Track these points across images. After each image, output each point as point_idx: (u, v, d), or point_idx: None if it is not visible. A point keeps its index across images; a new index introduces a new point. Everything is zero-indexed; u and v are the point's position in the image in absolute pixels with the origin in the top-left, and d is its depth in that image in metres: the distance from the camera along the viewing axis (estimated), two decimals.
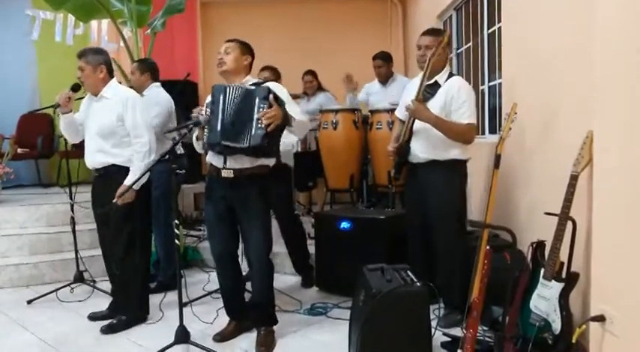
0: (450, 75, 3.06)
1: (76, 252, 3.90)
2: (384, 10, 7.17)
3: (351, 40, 6.87)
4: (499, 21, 3.83)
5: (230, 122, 2.63)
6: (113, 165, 3.08)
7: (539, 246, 2.42)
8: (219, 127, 2.65)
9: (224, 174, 2.76)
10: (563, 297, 2.23)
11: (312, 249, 3.91)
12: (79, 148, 3.25)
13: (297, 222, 3.94)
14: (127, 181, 2.98)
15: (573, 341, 2.05)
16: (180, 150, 3.76)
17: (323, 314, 3.28)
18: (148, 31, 4.88)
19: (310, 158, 4.99)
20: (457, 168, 3.04)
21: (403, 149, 3.07)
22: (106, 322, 3.17)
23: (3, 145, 5.71)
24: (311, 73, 5.56)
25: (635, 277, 1.74)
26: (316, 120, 4.96)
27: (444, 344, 2.69)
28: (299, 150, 3.89)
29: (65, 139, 3.54)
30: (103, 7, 4.56)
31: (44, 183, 6.30)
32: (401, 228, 3.35)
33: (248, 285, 3.07)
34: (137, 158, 3.03)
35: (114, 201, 2.94)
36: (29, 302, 3.66)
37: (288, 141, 3.54)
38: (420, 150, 3.03)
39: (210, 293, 3.61)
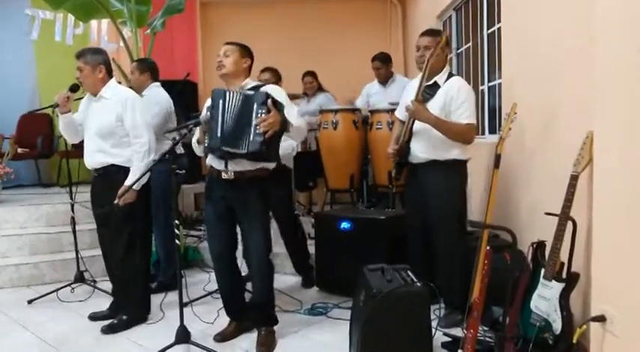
0: (450, 75, 3.06)
1: (77, 251, 3.91)
2: (383, 11, 7.17)
3: (350, 40, 6.87)
4: (499, 21, 3.84)
5: (230, 127, 2.63)
6: (112, 165, 3.08)
7: (539, 246, 2.42)
8: (219, 133, 2.65)
9: (224, 176, 2.76)
10: (564, 297, 2.23)
11: (312, 249, 3.91)
12: (79, 148, 3.25)
13: (297, 223, 3.94)
14: (128, 182, 2.98)
15: (574, 341, 2.05)
16: (180, 150, 3.76)
17: (323, 315, 3.29)
18: (148, 31, 4.88)
19: (310, 158, 5.00)
20: (457, 169, 3.04)
21: (403, 150, 3.08)
22: (106, 322, 3.17)
23: (3, 145, 5.71)
24: (311, 73, 5.57)
25: (635, 277, 1.74)
26: (316, 120, 4.97)
27: (444, 345, 2.69)
28: (299, 150, 3.89)
29: (65, 139, 3.54)
30: (102, 6, 4.56)
31: (44, 183, 6.31)
32: (401, 229, 3.35)
33: (248, 286, 3.07)
34: (137, 158, 3.03)
35: (115, 202, 2.94)
36: (30, 302, 3.66)
37: (288, 144, 3.55)
38: (420, 151, 3.03)
39: (210, 293, 3.61)
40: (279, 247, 3.81)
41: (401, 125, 3.21)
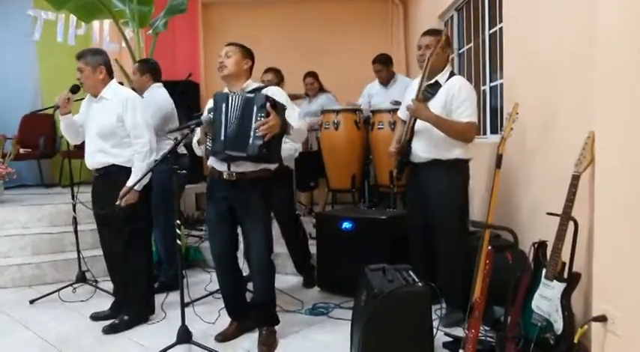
0: (451, 74, 3.07)
1: (78, 252, 3.91)
2: (385, 11, 7.16)
3: (351, 40, 6.87)
4: (500, 21, 3.84)
5: (232, 131, 2.64)
6: (113, 166, 3.08)
7: (540, 246, 2.42)
8: (222, 137, 2.66)
9: (226, 177, 2.77)
10: (565, 297, 2.22)
11: (313, 249, 3.92)
12: (81, 148, 3.26)
13: (298, 223, 3.94)
14: (130, 182, 2.98)
15: (575, 341, 2.04)
16: (182, 150, 3.76)
17: (324, 315, 3.29)
18: (150, 31, 4.89)
19: (312, 158, 5.00)
20: (459, 168, 3.04)
21: (404, 149, 3.08)
22: (108, 322, 3.18)
23: (5, 145, 5.71)
24: (312, 74, 5.57)
25: (636, 277, 1.74)
26: (318, 120, 4.98)
27: (445, 344, 2.69)
28: (300, 150, 3.89)
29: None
30: (104, 7, 4.57)
31: (46, 183, 6.32)
32: (402, 229, 3.35)
33: (250, 286, 3.08)
34: (138, 158, 3.04)
35: (117, 203, 2.94)
36: (31, 302, 3.67)
37: (290, 146, 3.55)
38: (422, 150, 3.04)
39: (212, 293, 3.62)
40: (280, 247, 3.82)
41: (403, 125, 3.21)
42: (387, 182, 4.51)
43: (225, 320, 3.05)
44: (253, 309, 2.96)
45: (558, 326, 2.21)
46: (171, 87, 4.09)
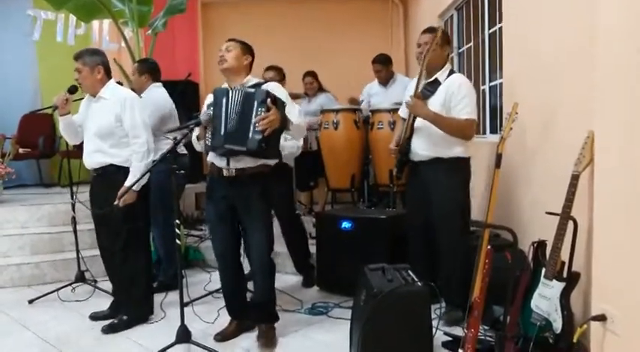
0: (451, 72, 3.07)
1: (78, 251, 3.91)
2: (384, 10, 7.17)
3: (351, 40, 6.87)
4: (500, 21, 3.84)
5: (233, 125, 2.64)
6: (111, 165, 3.08)
7: (540, 245, 2.42)
8: (222, 131, 2.66)
9: (226, 173, 2.77)
10: (565, 297, 2.22)
11: (313, 248, 3.92)
12: (80, 148, 3.26)
13: (298, 222, 3.94)
14: (128, 183, 2.98)
15: (574, 340, 2.05)
16: (182, 149, 3.76)
17: (324, 314, 3.29)
18: (149, 31, 4.89)
19: (311, 158, 5.00)
20: (460, 166, 3.04)
21: (404, 147, 3.08)
22: (107, 322, 3.18)
23: (4, 145, 5.71)
24: (311, 74, 5.57)
25: (635, 276, 1.74)
26: (317, 120, 4.98)
27: (445, 344, 2.69)
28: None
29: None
30: (104, 7, 4.56)
31: (45, 183, 6.32)
32: (402, 228, 3.35)
33: (250, 285, 3.07)
34: (136, 158, 3.03)
35: (115, 203, 2.94)
36: (30, 301, 3.67)
37: (293, 144, 3.55)
38: (421, 148, 3.04)
39: (211, 292, 3.61)
40: (279, 246, 3.82)
41: (404, 123, 3.21)
42: (386, 181, 4.51)
43: (224, 320, 3.05)
44: (253, 308, 2.96)
45: (557, 325, 2.21)
46: (171, 87, 4.09)
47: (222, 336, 2.93)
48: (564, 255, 2.27)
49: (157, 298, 3.41)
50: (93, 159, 3.12)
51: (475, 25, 4.74)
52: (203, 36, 6.94)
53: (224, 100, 2.68)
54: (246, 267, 3.02)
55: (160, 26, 4.87)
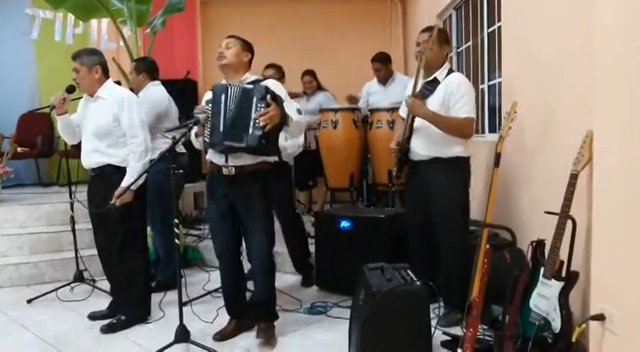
0: (450, 71, 3.06)
1: (76, 251, 3.91)
2: (383, 10, 7.17)
3: (350, 39, 6.87)
4: (499, 20, 3.83)
5: (231, 122, 2.64)
6: (109, 165, 3.08)
7: (539, 244, 2.42)
8: (221, 128, 2.65)
9: (225, 171, 2.76)
10: (563, 296, 2.23)
11: (312, 248, 3.92)
12: (78, 148, 3.25)
13: (299, 221, 3.93)
14: (125, 182, 2.97)
15: (573, 339, 2.05)
16: (180, 148, 3.75)
17: (323, 314, 3.29)
18: (148, 30, 4.88)
19: (310, 157, 5.00)
20: (460, 166, 3.03)
21: (404, 146, 3.08)
22: (105, 321, 3.17)
23: (3, 144, 5.71)
24: (310, 72, 5.56)
25: (634, 276, 1.74)
26: (316, 119, 4.98)
27: (444, 343, 2.69)
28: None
29: None
30: (102, 6, 4.56)
31: (44, 183, 6.30)
32: (401, 227, 3.35)
33: (249, 284, 3.07)
34: (133, 158, 3.03)
35: (111, 202, 2.93)
36: (29, 301, 3.66)
37: (294, 143, 3.55)
38: (421, 148, 3.03)
39: (210, 292, 3.61)
40: (279, 246, 3.81)
41: (403, 123, 3.21)
42: (385, 181, 4.51)
43: (223, 319, 3.04)
44: (253, 307, 2.96)
45: (556, 324, 2.21)
46: (170, 85, 4.08)
47: (221, 336, 2.93)
48: (563, 255, 2.28)
49: (156, 298, 3.40)
50: (91, 159, 3.11)
51: (474, 25, 4.74)
52: (202, 34, 6.93)
53: (223, 97, 2.67)
54: (246, 267, 3.02)
55: (158, 25, 4.86)
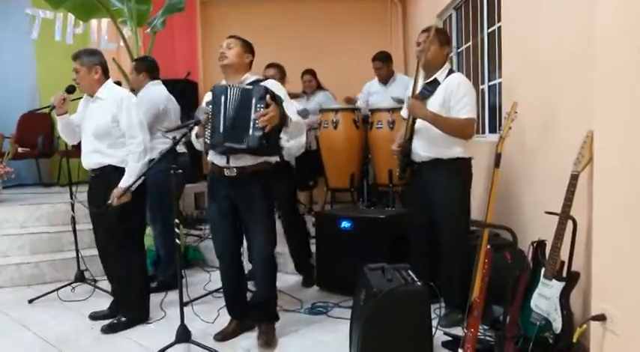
0: (450, 72, 3.05)
1: (77, 251, 3.91)
2: (384, 10, 7.17)
3: (351, 39, 6.87)
4: (499, 20, 3.83)
5: (231, 123, 2.64)
6: (109, 166, 3.08)
7: (539, 245, 2.42)
8: (221, 129, 2.65)
9: (227, 172, 2.76)
10: (564, 296, 2.23)
11: (312, 248, 3.92)
12: (79, 148, 3.25)
13: (301, 221, 3.93)
14: (123, 183, 2.97)
15: (574, 340, 2.05)
16: (182, 148, 3.75)
17: (324, 314, 3.29)
18: (148, 30, 4.89)
19: (311, 157, 4.98)
20: (461, 166, 3.02)
21: (406, 148, 3.08)
22: (107, 321, 3.18)
23: (3, 144, 5.71)
24: (310, 72, 5.56)
25: (635, 276, 1.74)
26: (317, 119, 4.97)
27: (444, 344, 2.69)
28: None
29: None
30: (102, 6, 4.56)
31: (45, 183, 6.31)
32: (401, 228, 3.35)
33: (250, 285, 3.07)
34: (132, 158, 3.02)
35: (109, 202, 2.94)
36: (30, 301, 3.67)
37: (297, 143, 3.55)
38: (422, 149, 3.03)
39: (211, 292, 3.61)
40: (280, 246, 3.80)
41: (405, 124, 3.20)
42: (385, 181, 4.51)
43: (224, 320, 3.05)
44: (254, 307, 2.96)
45: (557, 325, 2.21)
46: (170, 85, 4.08)
47: (222, 336, 2.93)
48: (564, 255, 2.28)
49: (157, 298, 3.41)
50: (90, 159, 3.11)
51: (474, 25, 4.74)
52: (202, 35, 6.93)
53: (222, 98, 2.67)
54: (247, 267, 3.02)
55: (158, 25, 4.87)
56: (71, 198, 3.85)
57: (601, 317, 1.91)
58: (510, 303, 2.31)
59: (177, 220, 2.78)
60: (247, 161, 2.74)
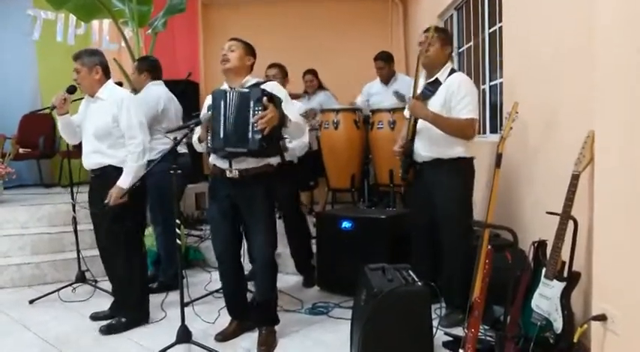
0: (452, 71, 3.04)
1: (78, 251, 3.91)
2: (384, 10, 7.17)
3: (351, 39, 6.88)
4: (500, 20, 3.83)
5: (231, 128, 2.64)
6: (109, 166, 3.07)
7: (540, 245, 2.42)
8: (222, 134, 2.66)
9: (229, 175, 2.76)
10: (565, 296, 2.23)
11: (313, 248, 3.92)
12: (80, 148, 3.26)
13: (304, 222, 3.92)
14: (120, 183, 2.97)
15: (575, 340, 2.05)
16: (184, 149, 3.75)
17: (324, 314, 3.29)
18: (149, 30, 4.90)
19: (312, 158, 4.98)
20: (462, 166, 3.02)
21: (408, 148, 3.07)
22: (107, 322, 3.17)
23: (5, 145, 5.72)
24: (311, 72, 5.57)
25: (636, 276, 1.74)
26: (317, 120, 4.98)
27: (445, 344, 2.69)
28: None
29: None
30: (104, 7, 4.57)
31: (46, 183, 6.32)
32: (402, 228, 3.35)
33: (250, 285, 3.07)
34: (131, 159, 3.02)
35: (105, 201, 2.93)
36: (31, 302, 3.67)
37: (300, 143, 3.56)
38: (423, 149, 3.03)
39: (211, 292, 3.61)
40: (280, 247, 3.80)
41: (407, 124, 3.20)
42: (386, 181, 4.51)
43: (224, 320, 3.05)
44: (254, 308, 2.96)
45: (558, 325, 2.21)
46: (171, 86, 4.07)
47: (223, 336, 2.93)
48: (565, 255, 2.28)
49: (158, 298, 3.41)
50: (91, 160, 3.11)
51: (475, 25, 4.74)
52: (203, 36, 6.94)
53: (222, 102, 2.68)
54: (247, 268, 3.02)
55: (159, 26, 4.88)
56: (72, 198, 3.85)
57: (602, 317, 1.91)
58: (511, 303, 2.31)
59: (178, 221, 2.78)
60: (249, 164, 2.74)
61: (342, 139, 4.73)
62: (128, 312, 3.17)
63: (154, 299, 3.37)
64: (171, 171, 2.72)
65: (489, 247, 2.43)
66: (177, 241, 2.79)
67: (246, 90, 2.68)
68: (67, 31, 6.57)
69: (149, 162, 3.05)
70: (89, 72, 3.06)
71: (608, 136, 1.94)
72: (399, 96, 4.79)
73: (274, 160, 2.81)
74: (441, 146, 2.97)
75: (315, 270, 3.86)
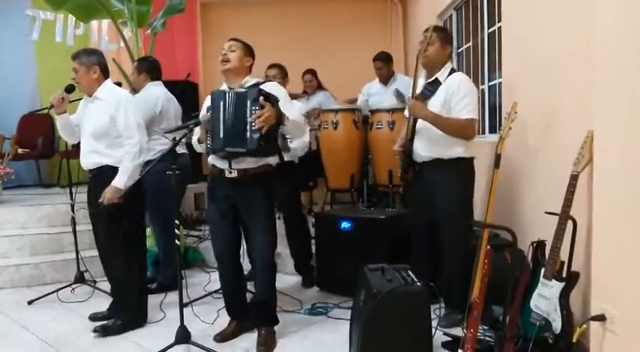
0: (452, 71, 3.04)
1: (77, 252, 3.91)
2: (384, 10, 7.18)
3: (351, 39, 6.88)
4: (499, 20, 3.83)
5: (230, 128, 2.65)
6: (106, 166, 3.07)
7: (539, 245, 2.42)
8: (221, 134, 2.66)
9: (228, 175, 2.76)
10: (564, 297, 2.23)
11: (312, 248, 3.91)
12: (79, 148, 3.25)
13: (304, 223, 3.92)
14: (115, 182, 2.96)
15: (574, 340, 2.05)
16: (183, 149, 3.75)
17: (324, 314, 3.28)
18: (148, 31, 4.90)
19: (311, 158, 4.98)
20: (462, 166, 3.01)
21: (407, 148, 3.07)
22: (101, 323, 3.16)
23: (4, 146, 5.72)
24: (310, 72, 5.57)
25: (635, 276, 1.74)
26: (318, 120, 4.98)
27: (444, 344, 2.69)
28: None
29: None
30: (103, 7, 4.57)
31: (45, 184, 6.31)
32: (402, 228, 3.34)
33: (250, 285, 3.07)
34: (127, 159, 3.01)
35: (100, 200, 2.93)
36: (30, 302, 3.66)
37: (301, 143, 3.55)
38: (423, 149, 3.03)
39: (210, 293, 3.61)
40: (280, 247, 3.80)
41: (407, 124, 3.20)
42: (385, 181, 4.50)
43: (223, 320, 3.04)
44: (253, 309, 2.95)
45: (557, 325, 2.21)
46: (171, 87, 4.07)
47: (222, 337, 2.93)
48: (564, 255, 2.28)
49: (157, 299, 3.41)
50: (89, 159, 3.11)
51: (474, 25, 4.74)
52: (202, 36, 6.94)
53: (221, 103, 2.68)
54: (246, 268, 3.02)
55: (159, 26, 4.88)
56: (71, 199, 3.85)
57: (601, 318, 1.91)
58: (510, 303, 2.30)
59: (176, 221, 2.78)
60: (249, 164, 2.74)
61: (341, 139, 4.72)
62: (124, 314, 3.16)
63: (153, 300, 3.37)
64: (169, 172, 2.71)
65: (488, 247, 2.43)
66: (177, 242, 2.79)
67: (244, 90, 2.68)
68: (66, 31, 6.56)
69: (148, 162, 3.05)
70: (87, 71, 3.06)
71: (608, 136, 1.94)
72: (399, 95, 4.79)
73: (273, 160, 2.81)
74: (441, 146, 2.97)
75: (314, 271, 3.86)
